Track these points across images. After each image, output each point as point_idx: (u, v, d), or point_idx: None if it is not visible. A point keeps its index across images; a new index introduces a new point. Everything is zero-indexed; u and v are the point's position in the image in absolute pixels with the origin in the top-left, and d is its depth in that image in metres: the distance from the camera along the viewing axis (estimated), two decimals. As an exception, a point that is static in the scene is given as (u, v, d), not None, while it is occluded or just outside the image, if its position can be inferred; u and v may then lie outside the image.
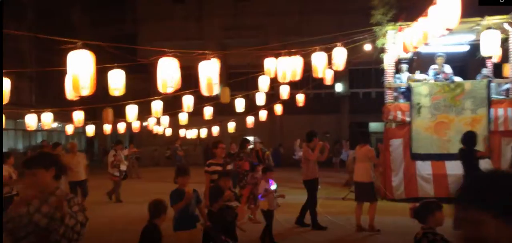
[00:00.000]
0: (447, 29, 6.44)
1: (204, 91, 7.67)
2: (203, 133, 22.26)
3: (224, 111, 21.03)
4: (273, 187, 8.37)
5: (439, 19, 6.69)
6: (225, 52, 24.65)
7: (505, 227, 1.40)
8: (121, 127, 18.30)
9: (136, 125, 18.47)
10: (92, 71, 6.11)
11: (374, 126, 24.86)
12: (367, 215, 8.92)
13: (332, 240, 8.58)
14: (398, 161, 12.50)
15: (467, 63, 18.32)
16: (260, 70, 11.74)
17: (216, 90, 7.80)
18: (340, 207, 11.60)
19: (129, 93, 9.71)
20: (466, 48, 14.21)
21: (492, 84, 12.56)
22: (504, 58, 12.92)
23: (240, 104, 16.31)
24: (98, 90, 6.59)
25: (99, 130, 19.67)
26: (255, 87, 14.28)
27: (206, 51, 7.99)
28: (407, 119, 12.52)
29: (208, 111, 17.23)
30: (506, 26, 12.21)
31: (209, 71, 7.61)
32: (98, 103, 13.65)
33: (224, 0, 30.13)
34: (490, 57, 12.89)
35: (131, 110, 13.57)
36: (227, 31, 30.04)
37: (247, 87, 20.85)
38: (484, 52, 11.71)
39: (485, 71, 13.70)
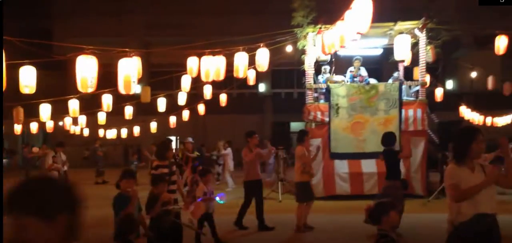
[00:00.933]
0: (359, 33, 6.73)
1: (122, 90, 7.44)
2: (124, 133, 21.63)
3: (145, 111, 20.51)
4: (221, 201, 7.96)
5: (353, 23, 6.98)
6: (146, 50, 24.13)
7: (44, 226, 1.55)
8: (34, 127, 17.32)
9: (50, 125, 17.55)
10: (1, 67, 5.73)
11: (295, 126, 25.46)
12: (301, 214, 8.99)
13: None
14: (317, 160, 12.86)
15: (381, 66, 19.27)
16: (183, 69, 11.61)
17: (135, 88, 7.60)
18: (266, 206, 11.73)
19: (43, 91, 9.21)
20: (380, 51, 14.94)
21: (403, 87, 13.31)
22: (415, 62, 13.77)
23: (162, 104, 16.02)
24: (8, 88, 6.20)
25: (9, 129, 18.47)
26: (178, 87, 14.11)
27: (126, 49, 7.78)
28: (326, 119, 12.95)
29: (128, 111, 16.76)
30: (416, 31, 13.00)
31: (128, 69, 7.40)
32: (8, 101, 12.81)
33: (147, -3, 29.49)
34: (402, 61, 13.64)
35: (45, 109, 12.86)
36: (149, 28, 29.41)
37: (170, 86, 20.56)
38: (396, 56, 12.40)
39: (396, 74, 14.49)
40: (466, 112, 19.91)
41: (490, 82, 17.66)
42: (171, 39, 25.81)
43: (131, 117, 17.19)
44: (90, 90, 6.92)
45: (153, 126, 20.25)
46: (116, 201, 5.35)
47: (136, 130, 21.06)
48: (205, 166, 9.89)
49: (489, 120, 20.79)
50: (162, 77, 18.24)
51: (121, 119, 17.88)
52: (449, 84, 29.18)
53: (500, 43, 11.18)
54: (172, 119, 18.39)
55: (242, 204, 9.27)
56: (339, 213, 10.89)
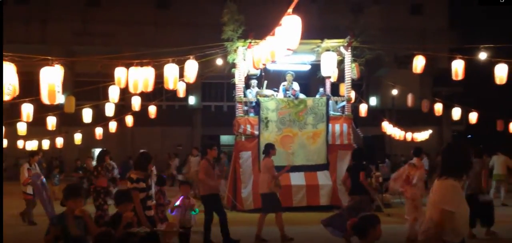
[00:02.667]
0: (289, 49, 6.88)
1: (46, 100, 7.13)
2: (46, 144, 20.58)
3: (70, 121, 19.77)
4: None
5: (283, 39, 7.13)
6: (70, 59, 23.17)
7: None
8: None
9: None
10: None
11: (225, 139, 25.55)
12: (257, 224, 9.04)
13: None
14: (247, 173, 12.95)
15: (309, 82, 19.81)
16: (110, 79, 11.30)
17: (59, 98, 7.30)
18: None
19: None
20: (308, 67, 15.36)
21: (331, 102, 13.77)
22: (341, 79, 14.31)
23: (87, 115, 15.48)
24: None
25: None
26: (105, 97, 13.72)
27: (49, 57, 7.46)
28: (256, 132, 13.08)
29: (51, 121, 15.99)
30: (342, 49, 13.50)
31: (52, 78, 7.10)
32: None
33: (74, 4, 28.33)
34: (329, 77, 14.13)
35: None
36: (76, 37, 28.30)
37: (96, 97, 19.91)
38: (323, 72, 12.87)
39: (322, 90, 14.96)
40: (388, 128, 20.90)
41: (409, 99, 18.72)
42: (98, 49, 25.07)
43: (54, 128, 16.42)
44: (6, 97, 6.54)
45: (78, 137, 19.46)
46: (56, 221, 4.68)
47: (59, 141, 20.12)
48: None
49: (409, 135, 21.94)
50: (88, 87, 17.67)
51: (43, 130, 17.02)
52: (373, 100, 30.55)
53: (418, 63, 11.88)
54: (98, 131, 17.78)
55: (205, 220, 8.77)
56: (268, 225, 11.00)
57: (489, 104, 24.56)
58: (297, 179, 12.70)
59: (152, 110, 16.30)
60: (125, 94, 12.90)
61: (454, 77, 11.26)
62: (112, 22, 27.69)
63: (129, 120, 17.36)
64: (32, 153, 13.09)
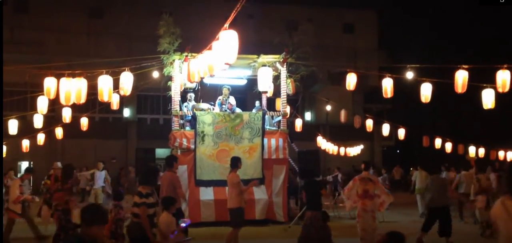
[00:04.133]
0: (226, 64, 6.93)
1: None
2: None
3: (-7, 133, 18.65)
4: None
5: (220, 54, 7.17)
6: (-3, 68, 21.91)
7: None
8: None
9: None
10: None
11: (160, 152, 25.12)
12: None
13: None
14: (183, 187, 12.77)
15: (246, 96, 19.98)
16: (39, 89, 10.81)
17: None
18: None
19: None
20: (245, 82, 15.50)
21: (267, 117, 13.94)
22: (277, 94, 14.55)
23: (13, 126, 14.67)
24: None
25: None
26: (33, 108, 13.09)
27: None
28: (192, 146, 12.98)
29: (-29, 133, 15.01)
30: (278, 65, 13.75)
31: (-26, 88, 6.70)
32: None
33: (0, 10, 26.90)
34: (265, 92, 14.31)
35: None
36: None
37: (24, 107, 18.96)
38: (260, 87, 13.02)
39: (258, 104, 15.14)
40: (322, 143, 21.44)
41: (342, 115, 19.32)
42: (26, 57, 23.87)
43: (-26, 140, 15.39)
44: None
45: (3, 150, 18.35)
46: None
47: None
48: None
49: (342, 150, 22.62)
50: (14, 97, 16.79)
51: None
52: (307, 116, 31.25)
53: (351, 80, 12.30)
54: (25, 143, 16.88)
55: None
56: (206, 240, 10.97)
57: (416, 121, 25.95)
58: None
59: (84, 122, 15.72)
60: (55, 105, 12.40)
61: (384, 95, 11.77)
62: (41, 30, 26.50)
63: (59, 132, 16.63)
64: (28, 169, 12.53)
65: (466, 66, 9.96)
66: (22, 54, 25.13)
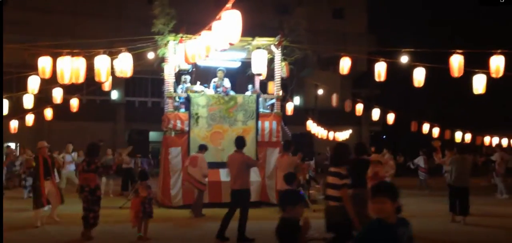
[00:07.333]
0: (230, 44, 6.90)
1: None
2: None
3: (-20, 114, 18.31)
4: None
5: (222, 34, 7.12)
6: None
7: None
8: None
9: None
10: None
11: (153, 135, 25.01)
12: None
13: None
14: (176, 169, 12.77)
15: (237, 79, 19.90)
16: (28, 69, 10.63)
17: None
18: (119, 216, 11.24)
19: None
20: (238, 64, 15.43)
21: (260, 99, 13.91)
22: (270, 77, 14.51)
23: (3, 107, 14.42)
24: None
25: None
26: (21, 88, 12.87)
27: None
28: (186, 128, 12.93)
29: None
30: (272, 47, 13.70)
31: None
32: None
33: (-17, -12, 26.30)
34: (259, 74, 14.25)
35: None
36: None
37: (10, 88, 18.64)
38: (254, 69, 12.96)
39: (251, 87, 15.09)
40: (312, 127, 21.53)
41: (334, 99, 19.39)
42: (11, 37, 23.37)
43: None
44: None
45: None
46: None
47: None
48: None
49: (331, 134, 22.75)
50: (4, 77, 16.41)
51: None
52: (296, 100, 31.30)
53: (344, 64, 12.35)
54: (14, 124, 16.61)
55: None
56: (199, 221, 10.99)
57: (403, 107, 26.14)
58: (227, 175, 12.68)
59: (74, 103, 15.51)
60: (43, 86, 12.19)
61: (377, 79, 11.85)
62: (25, 10, 25.98)
63: (48, 113, 16.36)
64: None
65: (460, 51, 10.06)
66: (6, 34, 24.60)
